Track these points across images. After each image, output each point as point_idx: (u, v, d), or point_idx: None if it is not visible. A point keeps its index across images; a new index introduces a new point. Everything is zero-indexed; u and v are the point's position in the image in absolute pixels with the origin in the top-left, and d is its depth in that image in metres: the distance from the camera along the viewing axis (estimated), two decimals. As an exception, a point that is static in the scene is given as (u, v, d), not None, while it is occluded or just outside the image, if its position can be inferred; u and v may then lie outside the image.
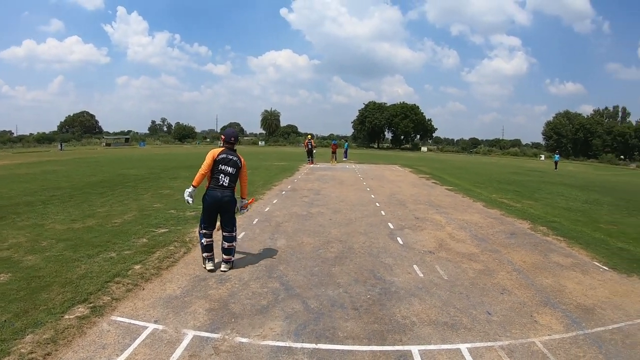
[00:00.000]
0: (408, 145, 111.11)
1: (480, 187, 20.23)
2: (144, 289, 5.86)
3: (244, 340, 4.59)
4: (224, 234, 6.79)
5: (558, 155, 48.36)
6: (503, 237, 9.77)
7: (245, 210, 7.23)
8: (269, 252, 7.78)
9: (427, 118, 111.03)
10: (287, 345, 4.48)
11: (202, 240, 6.72)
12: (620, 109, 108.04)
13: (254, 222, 10.25)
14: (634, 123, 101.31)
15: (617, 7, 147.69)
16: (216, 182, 6.60)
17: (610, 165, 76.60)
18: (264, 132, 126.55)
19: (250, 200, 7.26)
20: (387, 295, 5.94)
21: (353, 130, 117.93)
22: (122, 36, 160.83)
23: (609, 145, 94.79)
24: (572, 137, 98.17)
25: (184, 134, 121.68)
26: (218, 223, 6.81)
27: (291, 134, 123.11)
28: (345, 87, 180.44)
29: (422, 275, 6.80)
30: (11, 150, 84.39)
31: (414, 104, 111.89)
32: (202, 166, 6.59)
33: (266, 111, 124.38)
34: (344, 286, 6.21)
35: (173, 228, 9.41)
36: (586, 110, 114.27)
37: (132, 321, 4.90)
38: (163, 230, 9.16)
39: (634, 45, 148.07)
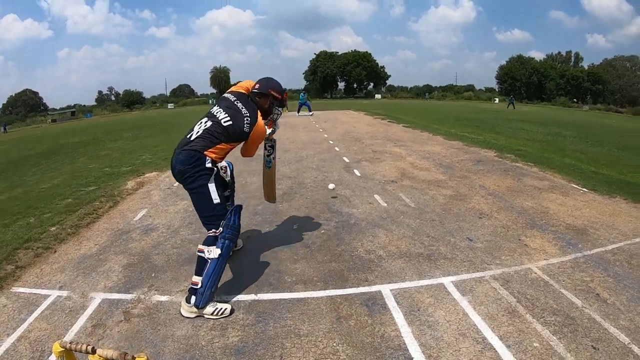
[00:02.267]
0: (362, 94, 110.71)
1: (438, 124, 19.51)
2: (55, 251, 4.86)
3: (163, 298, 3.64)
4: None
5: (512, 97, 49.73)
6: (470, 165, 9.05)
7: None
8: None
9: (379, 65, 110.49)
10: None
11: None
12: (573, 54, 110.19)
13: None
14: (586, 67, 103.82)
15: None
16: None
17: (563, 108, 78.22)
18: (215, 91, 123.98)
19: None
20: (346, 228, 5.06)
21: (305, 82, 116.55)
22: (61, 8, 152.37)
23: (563, 89, 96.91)
24: (526, 80, 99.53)
25: (131, 100, 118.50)
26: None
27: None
28: (293, 41, 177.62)
29: (385, 204, 5.97)
30: None
31: (366, 52, 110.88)
32: None
33: (215, 68, 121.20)
34: (292, 223, 5.32)
35: (103, 185, 8.35)
36: (535, 56, 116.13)
37: (34, 290, 3.94)
38: (92, 188, 8.10)
39: None
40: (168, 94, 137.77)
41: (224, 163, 3.95)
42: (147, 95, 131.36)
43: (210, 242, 3.46)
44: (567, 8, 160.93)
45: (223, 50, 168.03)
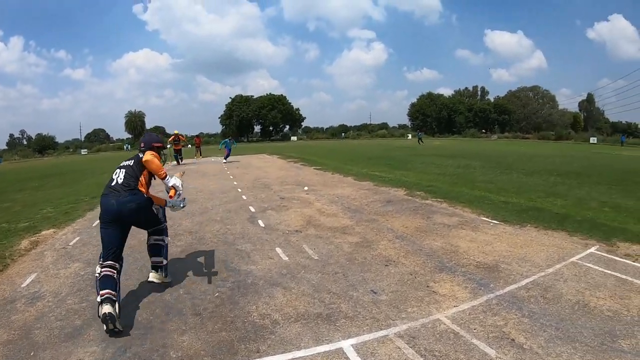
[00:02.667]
0: (278, 136, 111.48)
1: (351, 164, 19.65)
2: None
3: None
4: (152, 234, 4.95)
5: (420, 133, 51.27)
6: (379, 206, 8.90)
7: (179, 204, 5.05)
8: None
9: (294, 108, 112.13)
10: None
11: (98, 270, 4.30)
12: (479, 89, 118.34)
13: (94, 225, 8.28)
14: (492, 100, 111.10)
15: (463, 2, 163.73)
16: (109, 183, 4.67)
17: (473, 139, 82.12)
18: (130, 136, 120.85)
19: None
20: (242, 289, 4.60)
21: (222, 126, 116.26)
22: None
23: (471, 121, 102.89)
24: (436, 115, 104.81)
25: (44, 145, 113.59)
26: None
27: (159, 135, 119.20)
28: (210, 85, 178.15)
29: (286, 258, 5.58)
30: None
31: (281, 95, 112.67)
32: None
33: (130, 112, 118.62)
34: (185, 286, 4.79)
35: None
36: (444, 92, 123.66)
37: None
38: None
39: (480, 35, 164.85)
40: (82, 139, 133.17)
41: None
42: (60, 139, 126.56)
43: (163, 233, 4.95)
44: (472, 46, 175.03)
45: (140, 94, 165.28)
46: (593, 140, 72.50)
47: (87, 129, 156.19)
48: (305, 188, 7.30)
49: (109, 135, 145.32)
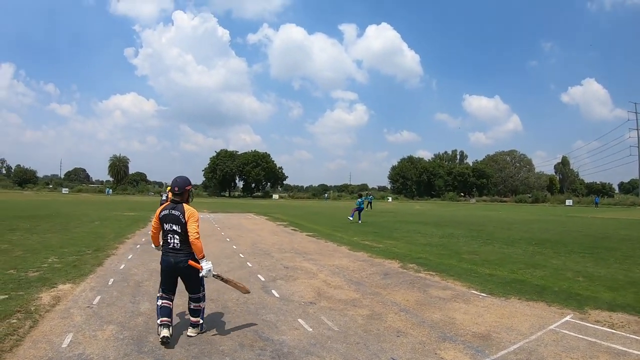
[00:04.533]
0: (259, 193, 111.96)
1: (340, 231, 20.58)
2: None
3: None
4: (191, 295, 6.12)
5: (371, 197, 50.76)
6: (378, 279, 9.79)
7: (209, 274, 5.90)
8: (134, 320, 6.60)
9: (277, 166, 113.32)
10: None
11: (159, 302, 5.81)
12: (458, 153, 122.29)
13: (110, 283, 8.82)
14: (471, 164, 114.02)
15: (443, 68, 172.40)
16: (166, 244, 5.89)
17: (452, 202, 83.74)
18: (111, 179, 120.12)
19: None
20: (282, 357, 5.35)
21: (204, 179, 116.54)
22: None
23: (451, 185, 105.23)
24: (416, 179, 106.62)
25: (24, 178, 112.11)
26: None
27: (140, 182, 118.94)
28: (193, 135, 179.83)
29: (311, 329, 6.31)
30: None
31: (265, 152, 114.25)
32: (152, 225, 6.23)
33: (115, 157, 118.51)
34: (230, 354, 5.44)
35: (14, 294, 7.73)
36: (423, 155, 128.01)
37: None
38: (2, 298, 7.49)
39: (459, 99, 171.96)
40: (62, 176, 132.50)
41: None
42: (40, 173, 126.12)
43: (201, 300, 6.15)
44: (451, 111, 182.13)
45: (123, 137, 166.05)
46: (569, 202, 75.16)
47: (67, 166, 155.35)
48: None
49: (89, 176, 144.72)
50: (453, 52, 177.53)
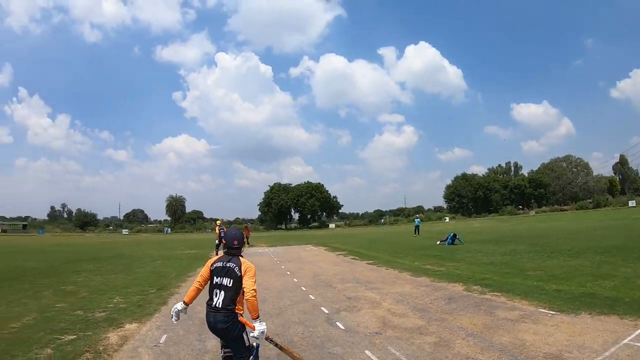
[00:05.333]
0: (316, 224, 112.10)
1: (400, 257, 20.30)
2: None
3: None
4: None
5: (418, 220, 45.24)
6: (443, 304, 9.64)
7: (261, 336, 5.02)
8: (201, 357, 6.79)
9: (332, 195, 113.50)
10: None
11: (222, 353, 5.30)
12: (512, 164, 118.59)
13: (175, 322, 9.17)
14: (526, 175, 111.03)
15: (486, 80, 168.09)
16: (210, 301, 5.18)
17: (511, 216, 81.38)
18: (168, 218, 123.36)
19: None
20: None
21: (259, 213, 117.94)
22: (24, 117, 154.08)
23: (507, 198, 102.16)
24: (472, 196, 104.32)
25: (85, 221, 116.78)
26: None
27: (197, 219, 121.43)
28: (246, 171, 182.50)
29: None
30: None
31: (319, 183, 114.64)
32: (198, 277, 5.44)
33: (171, 197, 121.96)
34: None
35: (82, 334, 7.99)
36: (477, 170, 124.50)
37: None
38: (70, 337, 7.75)
39: (507, 110, 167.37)
40: (121, 217, 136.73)
41: None
42: (100, 216, 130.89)
43: None
44: (500, 122, 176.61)
45: (179, 178, 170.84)
46: (632, 203, 71.44)
47: (125, 208, 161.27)
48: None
49: (147, 217, 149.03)
50: (494, 63, 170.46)
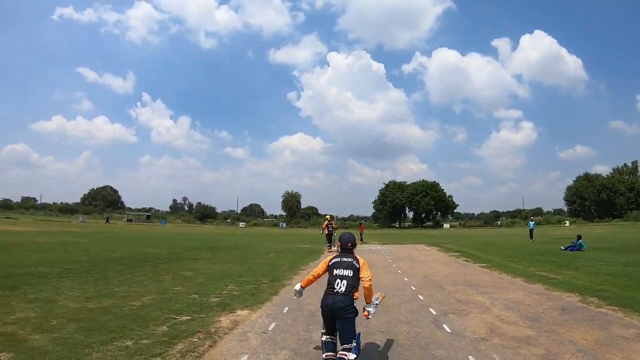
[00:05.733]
0: (430, 223, 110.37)
1: (515, 262, 19.48)
2: None
3: None
4: (342, 344, 5.82)
5: (533, 222, 41.95)
6: (555, 314, 9.18)
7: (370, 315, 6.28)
8: (306, 347, 6.99)
9: (447, 194, 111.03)
10: None
11: (323, 338, 6.05)
12: (639, 164, 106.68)
13: (285, 311, 9.41)
14: None
15: (609, 68, 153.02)
16: (331, 288, 5.99)
17: (636, 222, 74.73)
18: (284, 213, 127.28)
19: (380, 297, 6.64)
20: None
21: (374, 211, 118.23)
22: (147, 119, 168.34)
23: (634, 202, 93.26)
24: (595, 199, 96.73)
25: (204, 213, 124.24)
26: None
27: (312, 215, 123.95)
28: (360, 169, 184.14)
29: None
30: (33, 217, 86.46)
31: (434, 182, 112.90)
32: (315, 269, 6.52)
33: (287, 192, 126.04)
34: None
35: (196, 316, 8.64)
36: (600, 170, 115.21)
37: None
38: (185, 318, 8.40)
39: (632, 102, 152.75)
40: (239, 211, 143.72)
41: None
42: (219, 209, 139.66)
43: (351, 351, 5.56)
44: (625, 116, 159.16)
45: (294, 174, 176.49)
46: None
47: (243, 203, 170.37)
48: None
49: (263, 211, 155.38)
50: (618, 49, 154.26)
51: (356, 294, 5.98)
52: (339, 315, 5.73)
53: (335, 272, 6.03)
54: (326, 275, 6.19)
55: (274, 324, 8.37)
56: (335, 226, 28.63)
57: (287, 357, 6.42)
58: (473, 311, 9.70)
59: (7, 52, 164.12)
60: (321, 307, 5.94)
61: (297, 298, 6.93)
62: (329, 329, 5.95)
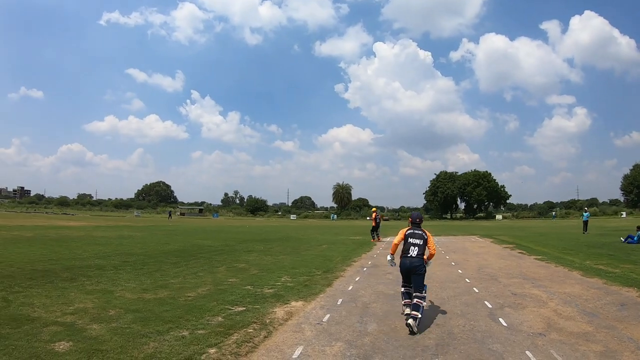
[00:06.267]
0: (482, 214, 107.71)
1: (571, 254, 18.67)
2: None
3: None
4: (414, 293, 7.97)
5: (587, 214, 38.41)
6: (614, 310, 8.75)
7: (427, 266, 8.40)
8: (361, 339, 6.91)
9: (499, 185, 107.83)
10: None
11: (402, 289, 8.40)
12: None
13: (339, 303, 9.35)
14: None
15: None
16: (406, 252, 8.20)
17: (700, 214, 70.65)
18: (334, 205, 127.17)
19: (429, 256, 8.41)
20: None
21: (425, 202, 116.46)
22: (197, 116, 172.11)
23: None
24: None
25: (256, 206, 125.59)
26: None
27: (363, 207, 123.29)
28: (411, 159, 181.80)
29: None
30: (90, 213, 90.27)
31: (486, 171, 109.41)
32: (395, 239, 8.48)
33: (338, 184, 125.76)
34: None
35: (250, 307, 8.69)
36: None
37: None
38: (240, 309, 8.46)
39: None
40: (289, 204, 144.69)
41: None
42: (270, 202, 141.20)
43: (423, 299, 7.90)
44: None
45: (344, 166, 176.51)
46: None
47: (293, 195, 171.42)
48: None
49: (314, 203, 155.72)
50: None
51: (425, 259, 8.20)
52: (414, 272, 8.02)
53: (410, 240, 8.22)
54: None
55: (328, 315, 8.34)
56: (383, 218, 28.84)
57: (342, 348, 6.37)
58: (529, 305, 9.38)
59: (59, 58, 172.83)
60: (400, 266, 8.27)
61: (391, 267, 9.11)
62: (406, 281, 8.26)
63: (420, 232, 8.28)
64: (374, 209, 30.63)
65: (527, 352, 6.33)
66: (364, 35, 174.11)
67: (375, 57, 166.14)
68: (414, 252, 8.09)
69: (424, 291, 8.04)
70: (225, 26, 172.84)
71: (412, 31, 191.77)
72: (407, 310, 7.70)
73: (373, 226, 28.65)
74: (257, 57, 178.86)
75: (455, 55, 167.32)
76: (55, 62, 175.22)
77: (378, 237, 28.39)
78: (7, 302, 8.54)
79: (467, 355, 6.21)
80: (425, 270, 8.15)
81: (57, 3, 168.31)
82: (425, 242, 8.20)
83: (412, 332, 7.24)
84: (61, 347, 5.97)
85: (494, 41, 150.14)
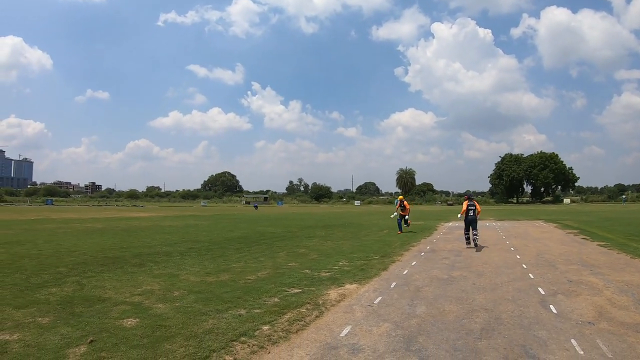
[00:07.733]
0: (549, 198, 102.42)
1: (636, 240, 17.59)
2: (269, 352, 5.37)
3: None
4: (474, 232, 16.47)
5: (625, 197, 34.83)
6: (673, 302, 8.00)
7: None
8: (408, 321, 6.79)
9: (567, 167, 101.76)
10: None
11: (465, 234, 16.71)
12: None
13: (392, 286, 9.29)
14: None
15: None
16: (467, 213, 16.28)
17: None
18: (399, 191, 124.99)
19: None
20: None
21: (490, 185, 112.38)
22: (259, 106, 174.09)
23: None
24: None
25: (320, 193, 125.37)
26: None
27: (427, 192, 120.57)
28: (475, 142, 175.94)
29: (582, 352, 5.57)
30: (158, 204, 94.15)
31: (553, 153, 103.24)
32: (462, 206, 16.75)
33: (401, 170, 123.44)
34: None
35: (306, 289, 8.84)
36: None
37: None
38: (296, 291, 8.64)
39: None
40: (354, 190, 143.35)
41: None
42: (334, 189, 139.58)
43: (477, 234, 16.69)
44: None
45: (407, 151, 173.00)
46: None
47: (358, 181, 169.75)
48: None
49: (378, 189, 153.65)
50: None
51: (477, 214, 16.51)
52: (472, 222, 16.33)
53: (470, 207, 16.34)
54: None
55: (380, 297, 8.33)
56: (408, 207, 24.16)
57: (389, 329, 6.37)
58: (583, 292, 8.90)
59: (122, 60, 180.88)
60: (465, 219, 16.61)
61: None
62: (467, 229, 16.66)
63: (473, 203, 16.64)
64: (400, 197, 25.13)
65: (572, 341, 6.01)
66: (420, 16, 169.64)
67: (433, 38, 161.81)
68: (471, 213, 16.44)
69: (477, 231, 16.48)
70: (281, 17, 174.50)
71: (469, 9, 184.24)
72: (472, 238, 16.46)
73: (401, 215, 23.42)
74: (314, 46, 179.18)
75: (516, 32, 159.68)
76: (118, 64, 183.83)
77: (408, 222, 24.03)
78: (81, 285, 9.19)
79: (510, 341, 6.00)
80: (477, 220, 16.68)
81: (115, 9, 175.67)
82: (476, 207, 16.53)
83: (475, 245, 16.20)
84: (129, 323, 6.44)
85: (556, 14, 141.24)
